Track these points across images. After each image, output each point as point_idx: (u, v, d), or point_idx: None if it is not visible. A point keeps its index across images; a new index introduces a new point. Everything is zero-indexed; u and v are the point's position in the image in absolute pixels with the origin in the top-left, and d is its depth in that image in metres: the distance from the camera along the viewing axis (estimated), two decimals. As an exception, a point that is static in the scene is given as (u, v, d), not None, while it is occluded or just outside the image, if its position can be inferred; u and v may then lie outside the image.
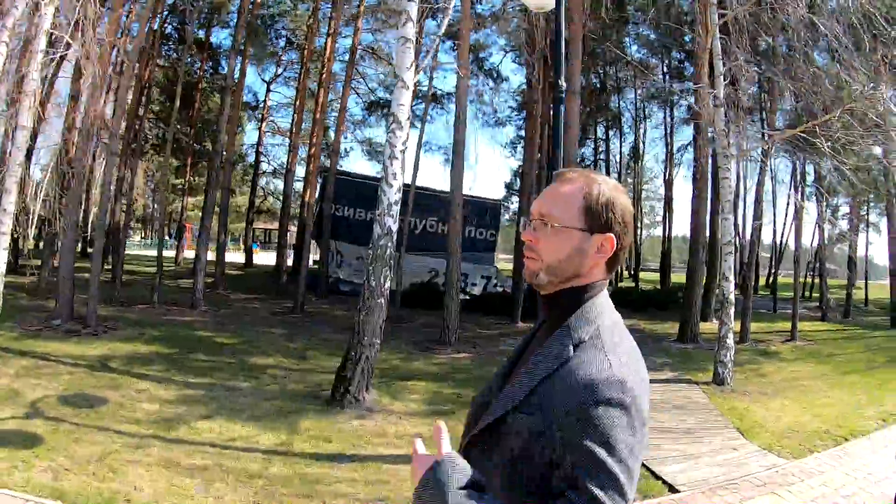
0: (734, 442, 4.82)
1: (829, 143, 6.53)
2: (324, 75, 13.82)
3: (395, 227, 4.96)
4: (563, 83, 4.01)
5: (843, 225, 16.97)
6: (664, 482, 3.86)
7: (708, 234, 10.27)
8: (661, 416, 5.31)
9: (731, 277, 6.78)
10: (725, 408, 5.77)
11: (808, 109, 7.21)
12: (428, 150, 16.81)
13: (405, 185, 12.87)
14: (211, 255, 12.99)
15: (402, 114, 5.11)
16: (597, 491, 0.80)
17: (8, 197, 5.84)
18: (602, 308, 0.95)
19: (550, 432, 0.85)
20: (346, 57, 13.54)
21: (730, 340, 6.60)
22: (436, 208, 12.60)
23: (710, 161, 9.02)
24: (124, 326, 8.24)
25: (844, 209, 17.24)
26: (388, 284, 4.90)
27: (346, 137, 14.06)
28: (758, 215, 11.34)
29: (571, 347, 0.89)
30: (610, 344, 0.89)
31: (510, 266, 14.78)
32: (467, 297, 11.46)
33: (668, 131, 16.90)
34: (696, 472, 4.09)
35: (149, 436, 4.11)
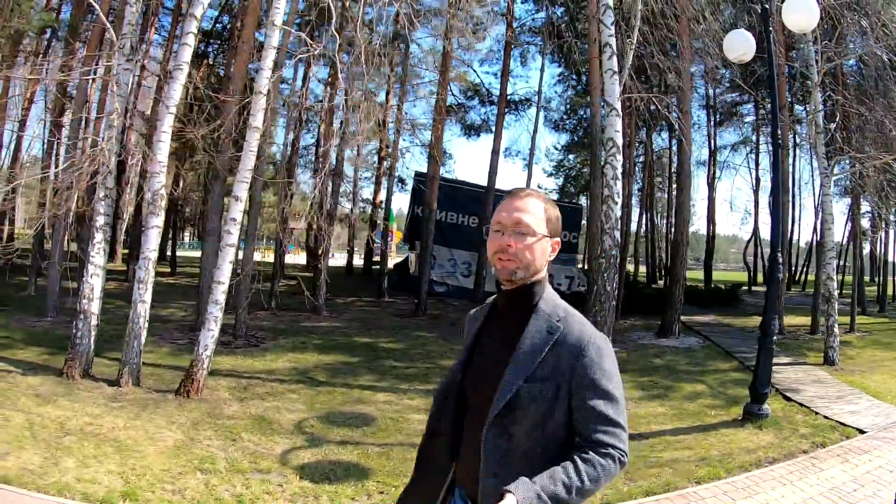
0: (872, 402, 6.92)
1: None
2: (390, 78, 15.26)
3: (619, 239, 6.75)
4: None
5: (865, 223, 19.75)
6: (854, 427, 5.88)
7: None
8: (811, 389, 7.38)
9: (835, 277, 8.99)
10: (847, 381, 7.92)
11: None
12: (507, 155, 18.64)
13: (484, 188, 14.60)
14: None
15: (619, 139, 6.79)
16: (609, 410, 1.26)
17: (237, 206, 6.26)
18: (553, 292, 1.40)
19: (567, 387, 1.27)
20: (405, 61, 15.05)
21: (836, 330, 8.80)
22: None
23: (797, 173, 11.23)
24: (271, 335, 9.19)
25: (865, 206, 20.16)
26: (615, 287, 6.69)
27: (404, 139, 15.60)
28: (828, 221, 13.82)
29: (557, 322, 1.32)
30: (579, 315, 1.36)
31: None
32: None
33: (713, 133, 19.47)
34: (866, 420, 6.13)
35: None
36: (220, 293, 5.97)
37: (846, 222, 18.35)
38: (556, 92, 17.88)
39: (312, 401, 5.83)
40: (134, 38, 6.85)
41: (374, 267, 17.97)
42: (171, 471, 3.97)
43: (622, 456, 1.26)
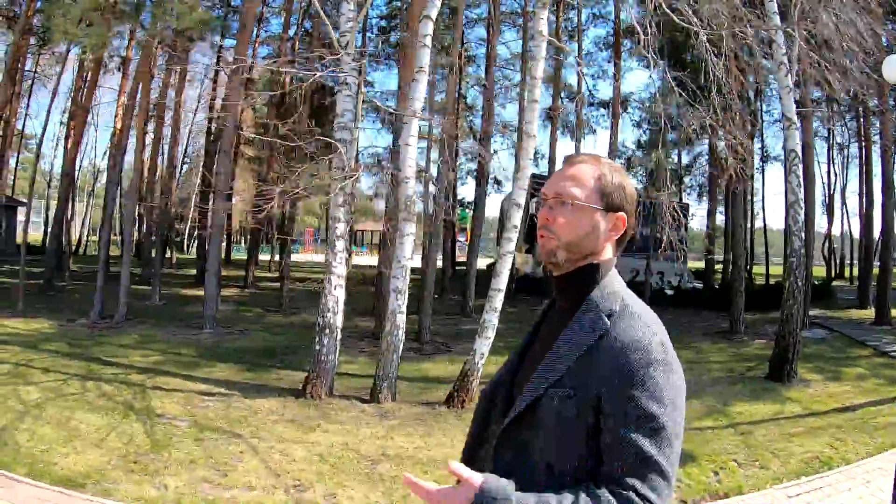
0: None
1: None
2: (486, 83, 16.69)
3: (804, 239, 8.27)
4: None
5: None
6: None
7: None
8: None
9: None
10: None
11: None
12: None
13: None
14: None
15: (799, 150, 8.19)
16: (646, 442, 1.02)
17: (518, 213, 6.52)
18: (619, 282, 1.23)
19: (597, 403, 1.07)
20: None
21: (958, 318, 10.48)
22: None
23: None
24: (450, 339, 10.15)
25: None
26: (804, 283, 8.22)
27: (496, 140, 17.08)
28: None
29: (606, 318, 1.13)
30: (639, 310, 1.16)
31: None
32: (670, 293, 15.10)
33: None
34: None
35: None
36: (498, 301, 6.47)
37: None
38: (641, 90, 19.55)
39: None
40: (353, 36, 6.77)
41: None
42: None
43: None
